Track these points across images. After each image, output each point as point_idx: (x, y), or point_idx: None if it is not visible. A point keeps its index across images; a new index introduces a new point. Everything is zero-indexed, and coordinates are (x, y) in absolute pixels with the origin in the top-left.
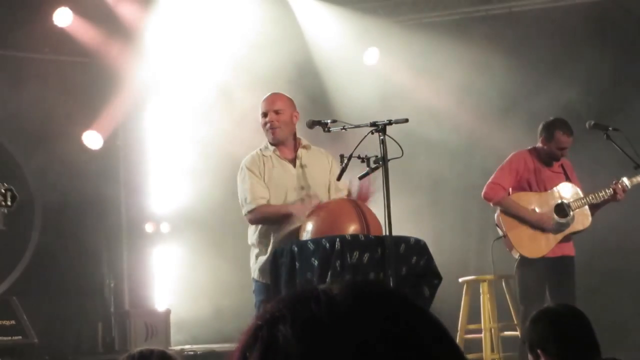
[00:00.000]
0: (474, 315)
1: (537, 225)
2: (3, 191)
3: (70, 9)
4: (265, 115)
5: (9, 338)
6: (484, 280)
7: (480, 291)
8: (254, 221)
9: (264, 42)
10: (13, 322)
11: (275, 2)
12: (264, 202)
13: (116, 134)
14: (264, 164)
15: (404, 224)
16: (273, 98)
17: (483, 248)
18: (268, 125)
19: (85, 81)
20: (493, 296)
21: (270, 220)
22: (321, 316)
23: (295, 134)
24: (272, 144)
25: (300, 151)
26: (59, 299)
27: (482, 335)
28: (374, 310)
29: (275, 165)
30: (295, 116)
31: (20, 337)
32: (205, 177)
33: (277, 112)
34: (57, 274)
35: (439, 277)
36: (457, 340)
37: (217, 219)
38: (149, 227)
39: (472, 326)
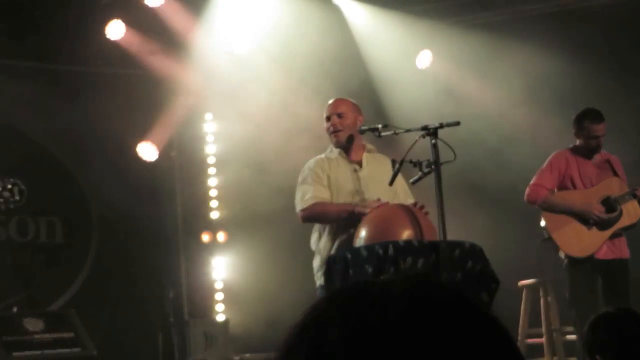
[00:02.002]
0: (535, 319)
1: (585, 214)
2: (10, 186)
3: (123, 21)
4: (328, 119)
5: (68, 350)
6: (544, 284)
7: (540, 294)
8: (306, 219)
9: (315, 47)
10: (72, 334)
11: (326, 8)
12: (322, 200)
13: (171, 145)
14: (328, 166)
15: (460, 229)
16: (337, 102)
17: (542, 250)
18: (331, 128)
19: (139, 93)
20: (554, 299)
21: (323, 218)
22: (374, 322)
23: (360, 138)
24: (335, 147)
25: (365, 155)
26: (118, 310)
27: (544, 339)
28: (435, 319)
29: (340, 167)
30: (359, 120)
31: (79, 349)
32: (260, 186)
33: (339, 116)
34: (115, 285)
35: (496, 282)
36: (518, 345)
37: (273, 228)
38: (205, 237)
39: (533, 330)
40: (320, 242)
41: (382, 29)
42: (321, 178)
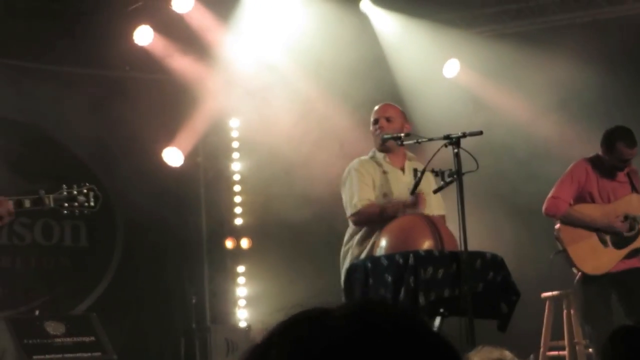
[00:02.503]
0: (559, 331)
1: (607, 230)
2: (85, 191)
3: (151, 27)
4: (376, 122)
5: (89, 354)
6: (567, 296)
7: (563, 307)
8: (358, 222)
9: (343, 55)
10: (93, 338)
11: (354, 16)
12: (370, 203)
13: (196, 151)
14: (373, 168)
15: (483, 239)
16: (386, 106)
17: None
18: (378, 131)
19: (165, 98)
20: (577, 311)
21: (374, 220)
22: (310, 345)
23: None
24: (379, 151)
25: (407, 163)
26: (141, 315)
27: (566, 352)
28: (371, 344)
29: (387, 171)
30: (406, 128)
31: (99, 353)
32: (285, 193)
33: (388, 120)
34: (139, 290)
35: (517, 294)
36: (540, 358)
37: (296, 235)
38: (229, 243)
39: (555, 342)
40: (352, 241)
41: (409, 38)
42: (366, 178)
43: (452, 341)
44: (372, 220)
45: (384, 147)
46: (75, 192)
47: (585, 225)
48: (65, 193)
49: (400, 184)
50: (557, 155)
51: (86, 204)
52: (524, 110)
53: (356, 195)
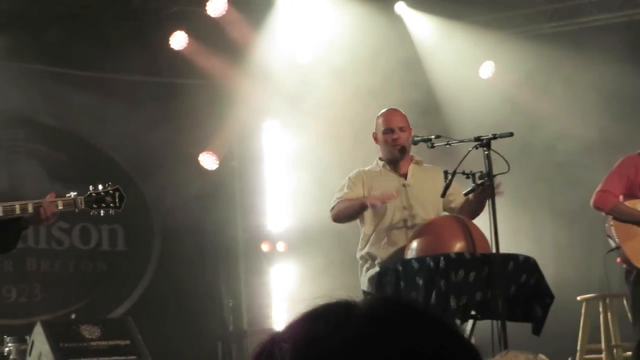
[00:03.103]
0: (596, 334)
1: None
2: (111, 191)
3: (186, 32)
4: (391, 131)
5: (124, 358)
6: (603, 298)
7: (600, 309)
8: (334, 217)
9: (377, 58)
10: (128, 341)
11: (388, 18)
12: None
13: (232, 155)
14: (370, 179)
15: (522, 242)
16: (398, 115)
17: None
18: (396, 142)
19: (200, 103)
20: (614, 314)
21: (347, 213)
22: (322, 337)
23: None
24: (391, 161)
25: (412, 167)
26: (178, 318)
27: (603, 355)
28: (391, 339)
29: (385, 180)
30: (410, 132)
31: (134, 356)
32: (320, 196)
33: (402, 130)
34: (176, 294)
35: (551, 296)
36: None
37: (331, 238)
38: (265, 247)
39: (592, 346)
40: (363, 251)
41: (444, 40)
42: (357, 186)
43: (476, 347)
44: (345, 214)
45: (398, 157)
46: (102, 193)
47: (635, 220)
48: (93, 194)
49: (402, 194)
50: (597, 157)
51: (112, 204)
52: (562, 111)
53: (336, 195)
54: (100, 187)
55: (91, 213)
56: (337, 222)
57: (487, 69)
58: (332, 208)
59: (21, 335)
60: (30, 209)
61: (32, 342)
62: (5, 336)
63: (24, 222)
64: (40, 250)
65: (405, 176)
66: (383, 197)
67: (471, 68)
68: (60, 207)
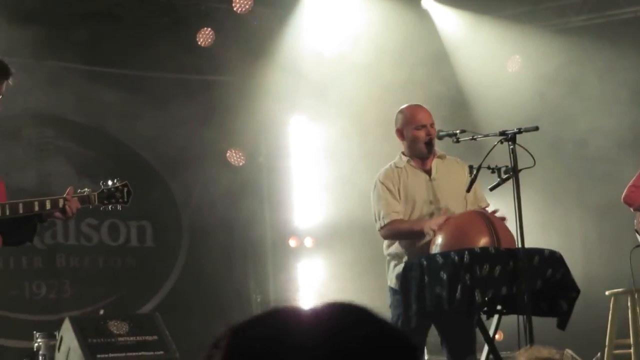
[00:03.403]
0: (625, 329)
1: None
2: (120, 187)
3: (213, 29)
4: (423, 127)
5: (151, 353)
6: (632, 293)
7: (629, 304)
8: (386, 236)
9: (403, 51)
10: (156, 337)
11: (415, 12)
12: (397, 217)
13: (259, 151)
14: (398, 176)
15: (551, 237)
16: (427, 111)
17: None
18: (428, 139)
19: (227, 99)
20: None
21: (402, 236)
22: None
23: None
24: (418, 157)
25: (436, 161)
26: (206, 314)
27: (632, 350)
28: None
29: (409, 176)
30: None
31: (162, 352)
32: (347, 191)
33: (432, 126)
34: (204, 290)
35: (577, 290)
36: (606, 356)
37: (359, 233)
38: (292, 242)
39: (621, 340)
40: (390, 248)
41: (471, 34)
42: (392, 191)
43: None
44: (400, 236)
45: (426, 153)
46: (112, 189)
47: None
48: (104, 190)
49: (421, 188)
50: (628, 153)
51: (120, 199)
52: (593, 106)
53: (383, 210)
54: (109, 182)
55: (101, 208)
56: (388, 240)
57: (514, 63)
58: (384, 226)
59: (50, 330)
60: (48, 205)
61: (61, 338)
62: (34, 332)
63: (45, 216)
64: (70, 246)
65: (429, 172)
66: (439, 224)
67: (499, 62)
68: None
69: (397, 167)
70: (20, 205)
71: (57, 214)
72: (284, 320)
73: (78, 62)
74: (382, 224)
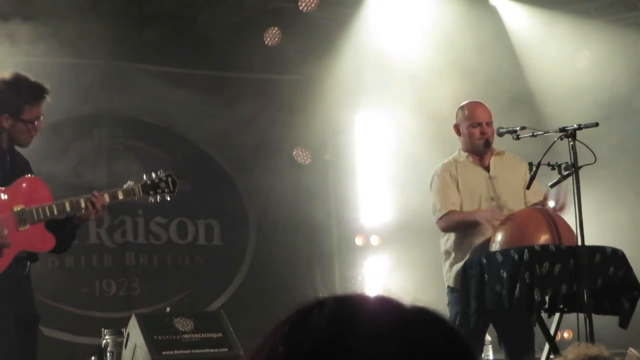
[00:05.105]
0: None
1: None
2: (164, 178)
3: (280, 28)
4: (478, 125)
5: (215, 350)
6: None
7: None
8: (443, 228)
9: (470, 48)
10: (220, 334)
11: (481, 8)
12: (454, 208)
13: (325, 149)
14: (457, 170)
15: (615, 233)
16: (485, 109)
17: None
18: (485, 136)
19: (293, 98)
20: None
21: (458, 227)
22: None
23: None
24: (475, 153)
25: (494, 159)
26: (273, 312)
27: None
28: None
29: (470, 171)
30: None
31: (226, 349)
32: (413, 188)
33: (488, 124)
34: (270, 288)
35: (639, 289)
36: None
37: (425, 231)
38: (358, 240)
39: None
40: (448, 244)
41: (539, 29)
42: (450, 183)
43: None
44: (457, 228)
45: (482, 150)
46: (156, 180)
47: None
48: (148, 182)
49: (481, 184)
50: None
51: (167, 189)
52: None
53: (440, 202)
54: (153, 174)
55: (149, 200)
56: (445, 232)
57: (583, 58)
58: (441, 217)
59: (118, 328)
60: (82, 204)
61: (128, 335)
62: (103, 329)
63: (77, 220)
64: (139, 245)
65: (487, 168)
66: (494, 216)
67: (567, 57)
68: (121, 197)
69: (456, 161)
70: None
71: (85, 213)
72: (352, 304)
73: (148, 62)
74: (439, 215)
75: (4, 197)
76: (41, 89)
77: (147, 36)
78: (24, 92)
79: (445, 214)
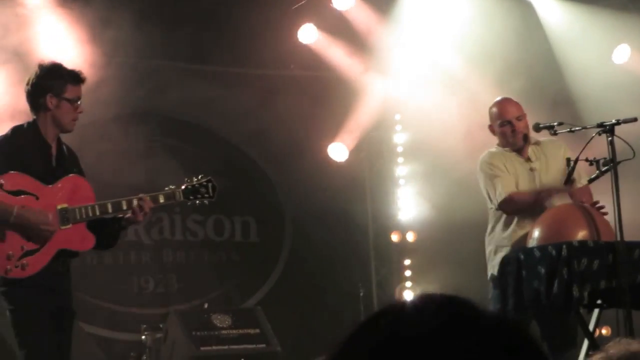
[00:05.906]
0: None
1: None
2: (205, 183)
3: (315, 25)
4: (508, 123)
5: (253, 346)
6: None
7: None
8: (508, 211)
9: (505, 43)
10: (258, 330)
11: (518, 4)
12: (512, 189)
13: (361, 146)
14: (504, 159)
15: None
16: (513, 105)
17: None
18: (518, 132)
19: (329, 95)
20: None
21: (522, 207)
22: (404, 335)
23: None
24: (514, 149)
25: (531, 149)
26: (310, 308)
27: None
28: (463, 338)
29: (515, 164)
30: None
31: (264, 345)
32: (450, 187)
33: (519, 119)
34: (307, 284)
35: None
36: None
37: (461, 227)
38: (394, 237)
39: None
40: (492, 234)
41: (577, 24)
42: (502, 169)
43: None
44: (523, 207)
45: (520, 145)
46: (197, 185)
47: None
48: (189, 187)
49: (530, 180)
50: None
51: (206, 194)
52: None
53: (499, 185)
54: (194, 179)
55: (188, 204)
56: (510, 214)
57: (621, 53)
58: (504, 200)
59: (157, 324)
60: (124, 205)
61: (166, 331)
62: (142, 325)
63: (125, 222)
64: (176, 241)
65: (528, 160)
66: (552, 192)
67: (604, 52)
68: (162, 201)
69: (499, 152)
70: (109, 205)
71: (130, 215)
72: (397, 313)
73: (183, 60)
74: (500, 199)
75: (48, 194)
76: (79, 73)
77: (182, 35)
78: (64, 73)
79: (507, 197)
